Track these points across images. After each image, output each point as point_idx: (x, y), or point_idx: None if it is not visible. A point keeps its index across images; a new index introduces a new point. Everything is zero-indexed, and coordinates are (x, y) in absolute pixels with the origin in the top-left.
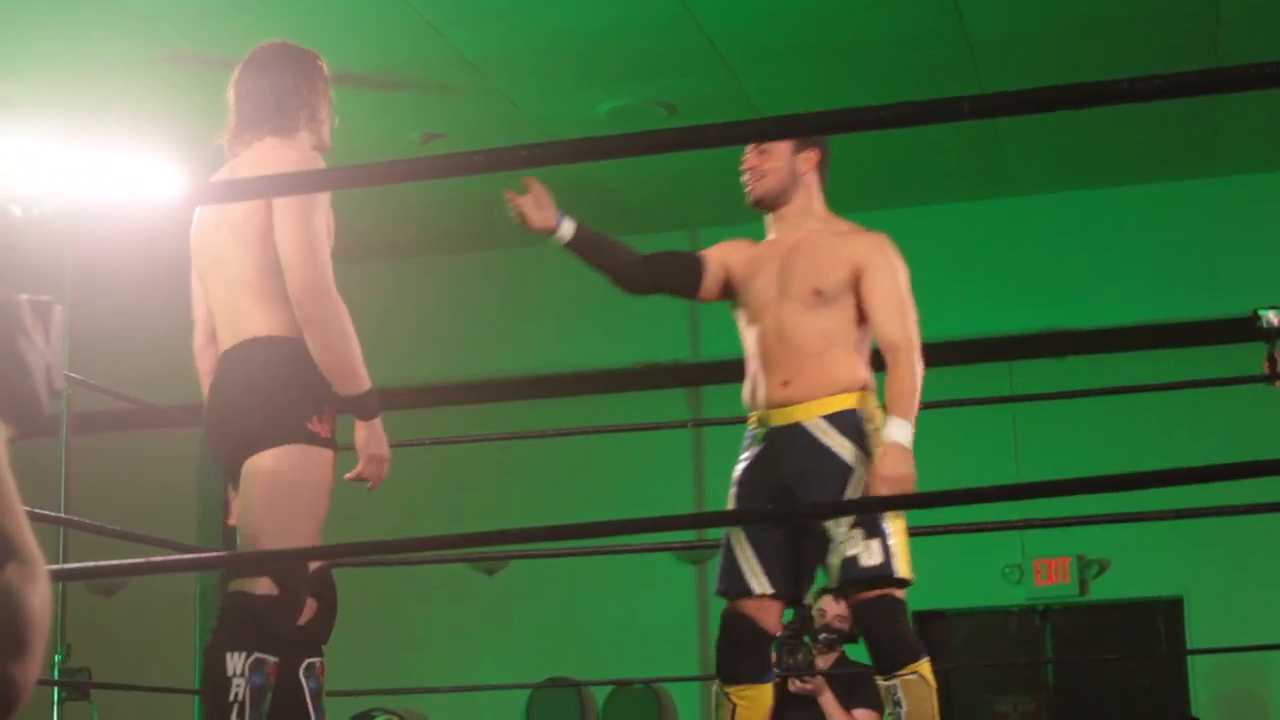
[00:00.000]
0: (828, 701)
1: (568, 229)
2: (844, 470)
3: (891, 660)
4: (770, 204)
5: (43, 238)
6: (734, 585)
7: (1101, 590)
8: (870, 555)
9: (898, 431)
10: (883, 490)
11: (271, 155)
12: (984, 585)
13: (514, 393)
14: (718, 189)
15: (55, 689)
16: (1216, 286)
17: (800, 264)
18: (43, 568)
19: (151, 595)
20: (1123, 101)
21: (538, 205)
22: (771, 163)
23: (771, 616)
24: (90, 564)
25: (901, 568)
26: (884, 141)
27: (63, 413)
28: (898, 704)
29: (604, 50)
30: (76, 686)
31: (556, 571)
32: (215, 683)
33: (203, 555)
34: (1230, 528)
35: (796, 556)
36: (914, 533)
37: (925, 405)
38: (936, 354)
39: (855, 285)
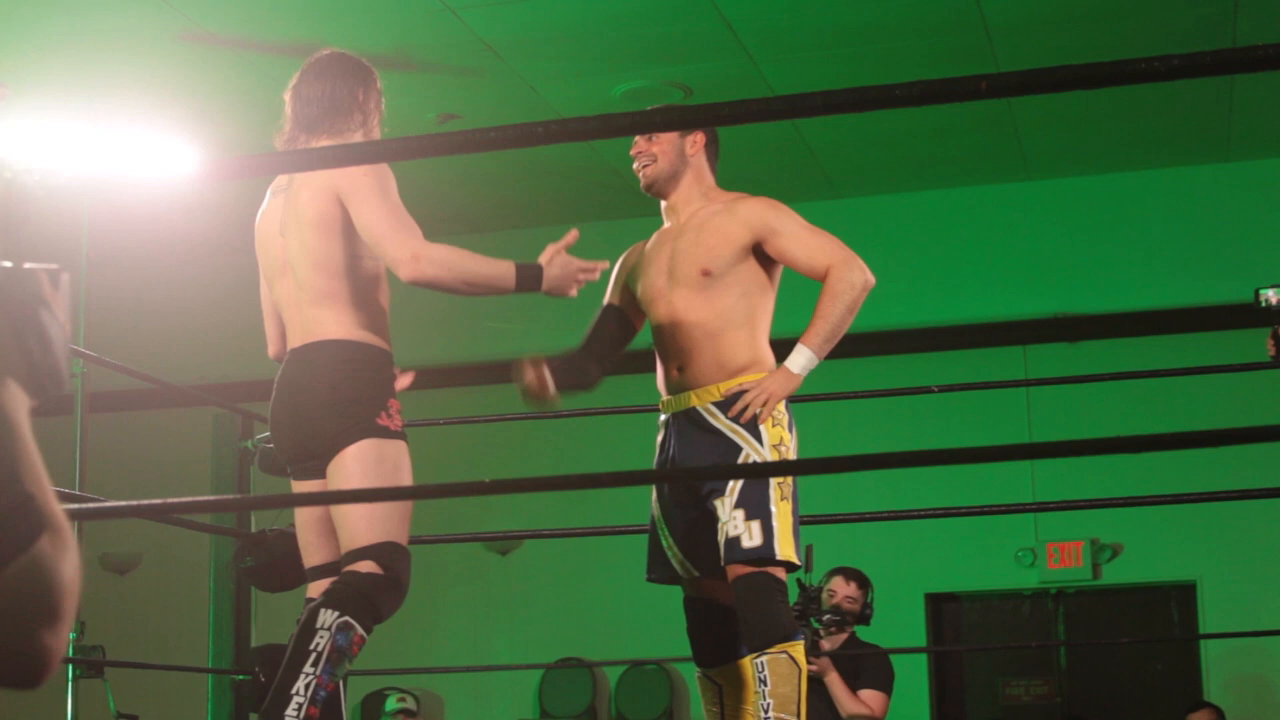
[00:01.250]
0: (833, 682)
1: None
2: (732, 452)
3: (762, 638)
4: (661, 189)
5: (58, 213)
6: (662, 572)
7: (1114, 574)
8: (750, 537)
9: (793, 356)
10: (747, 395)
11: None
12: (997, 568)
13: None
14: (726, 169)
15: (70, 666)
16: (1231, 271)
17: (686, 246)
18: (72, 538)
19: (166, 573)
20: (1140, 81)
21: (540, 386)
22: (659, 146)
23: (723, 594)
24: (111, 503)
25: (782, 549)
26: (900, 126)
27: (77, 390)
28: (763, 682)
29: (621, 33)
30: (91, 664)
31: (569, 552)
32: (305, 629)
33: (219, 499)
34: (1243, 513)
35: (709, 535)
36: (927, 515)
37: (944, 389)
38: (951, 337)
39: (755, 255)
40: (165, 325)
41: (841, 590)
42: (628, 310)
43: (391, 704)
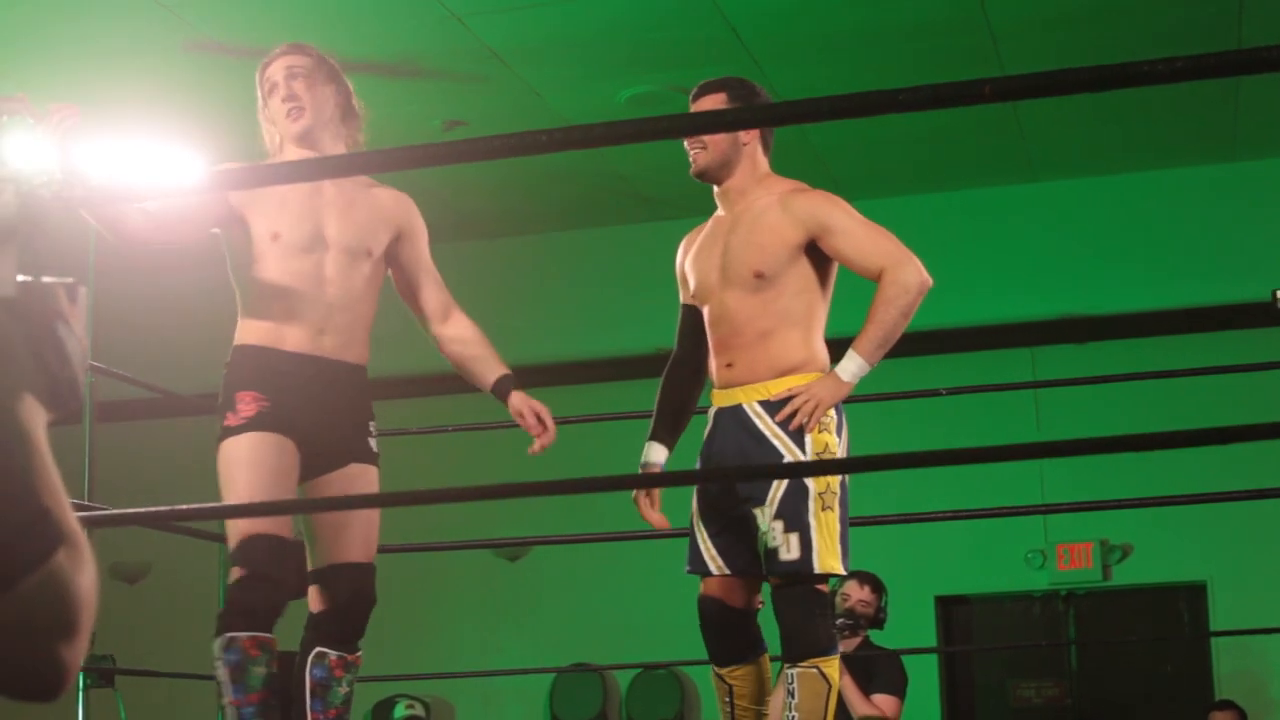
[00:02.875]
0: (846, 685)
1: (656, 453)
2: (773, 459)
3: (795, 650)
4: (714, 176)
5: (67, 224)
6: (696, 565)
7: (1124, 575)
8: (789, 549)
9: (844, 362)
10: (794, 401)
11: None
12: (1007, 570)
13: (540, 379)
14: None
15: (80, 675)
16: (1238, 272)
17: (740, 244)
18: (89, 551)
19: (175, 583)
20: (1145, 84)
21: (654, 507)
22: (711, 137)
23: (739, 595)
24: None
25: (822, 562)
26: (906, 128)
27: (86, 400)
28: (791, 694)
29: (625, 39)
30: (101, 673)
31: (578, 557)
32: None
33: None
34: (1253, 512)
35: (746, 537)
36: (937, 518)
37: (953, 391)
38: (959, 340)
39: (809, 252)
40: (172, 335)
41: (855, 594)
42: (698, 307)
43: (400, 711)
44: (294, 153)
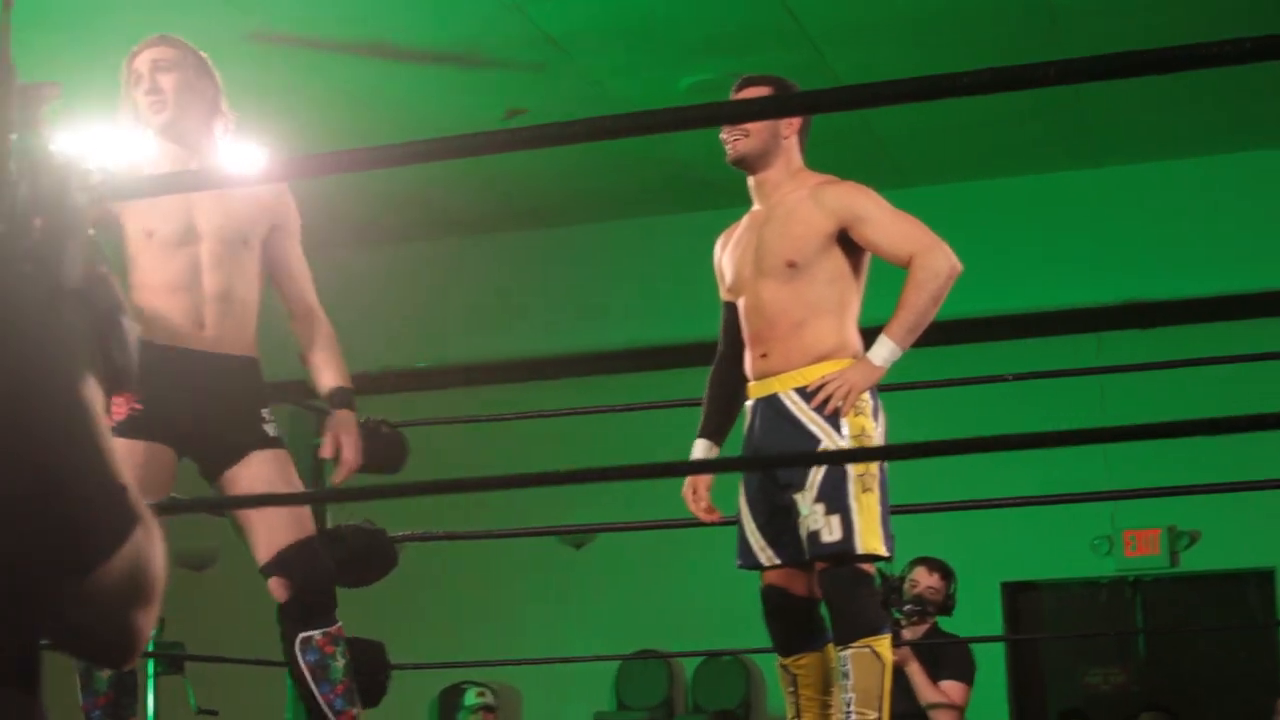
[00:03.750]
0: (914, 672)
1: (707, 450)
2: (810, 444)
3: (846, 631)
4: (749, 165)
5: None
6: (748, 558)
7: (1192, 561)
8: (830, 531)
9: (876, 348)
10: (828, 387)
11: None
12: (1074, 557)
13: (601, 367)
14: None
15: (150, 662)
16: None
17: (773, 235)
18: (158, 528)
19: (242, 569)
20: (1211, 65)
21: (703, 504)
22: (751, 127)
23: (799, 584)
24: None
25: (864, 543)
26: (969, 113)
27: None
28: (845, 675)
29: (686, 25)
30: (171, 659)
31: (644, 544)
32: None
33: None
34: None
35: (791, 525)
36: (1004, 504)
37: (1018, 377)
38: (1024, 326)
39: (841, 241)
40: None
41: (924, 581)
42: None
43: (470, 698)
44: (159, 146)
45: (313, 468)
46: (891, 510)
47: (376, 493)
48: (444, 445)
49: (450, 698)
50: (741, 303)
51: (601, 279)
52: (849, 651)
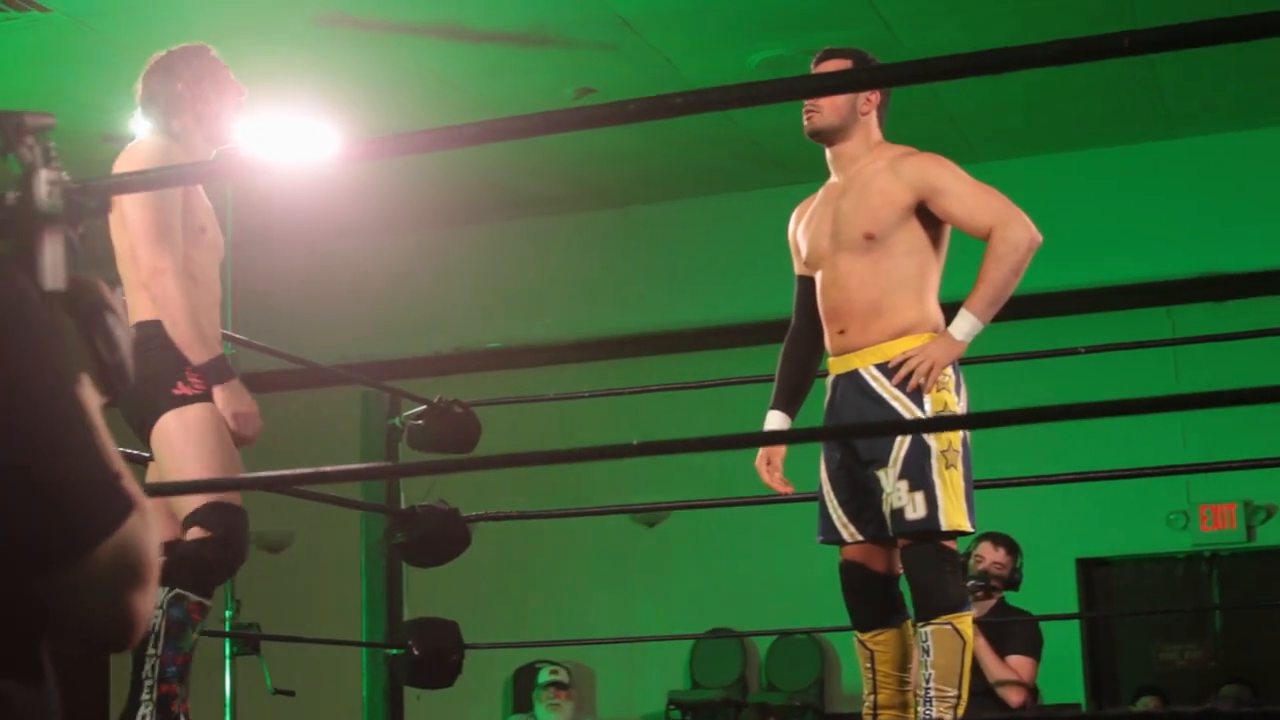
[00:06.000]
0: (980, 647)
1: (778, 422)
2: (894, 418)
3: (927, 608)
4: (827, 137)
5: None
6: (829, 534)
7: (1269, 536)
8: (914, 509)
9: (957, 322)
10: (910, 363)
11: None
12: (1148, 532)
13: (673, 345)
14: None
15: (226, 643)
16: None
17: (850, 208)
18: (154, 515)
19: (317, 551)
20: None
21: (777, 476)
22: (830, 100)
23: (879, 560)
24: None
25: (949, 519)
26: (1040, 87)
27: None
28: (926, 652)
29: (756, 2)
30: (247, 640)
31: (717, 522)
32: None
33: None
34: None
35: (874, 501)
36: (1078, 478)
37: (1091, 350)
38: (1096, 300)
39: (919, 214)
40: (311, 306)
41: (989, 556)
42: (812, 277)
43: (544, 676)
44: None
45: (386, 447)
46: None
47: (447, 466)
48: (516, 425)
49: (524, 677)
50: (819, 276)
51: (674, 258)
52: (930, 628)
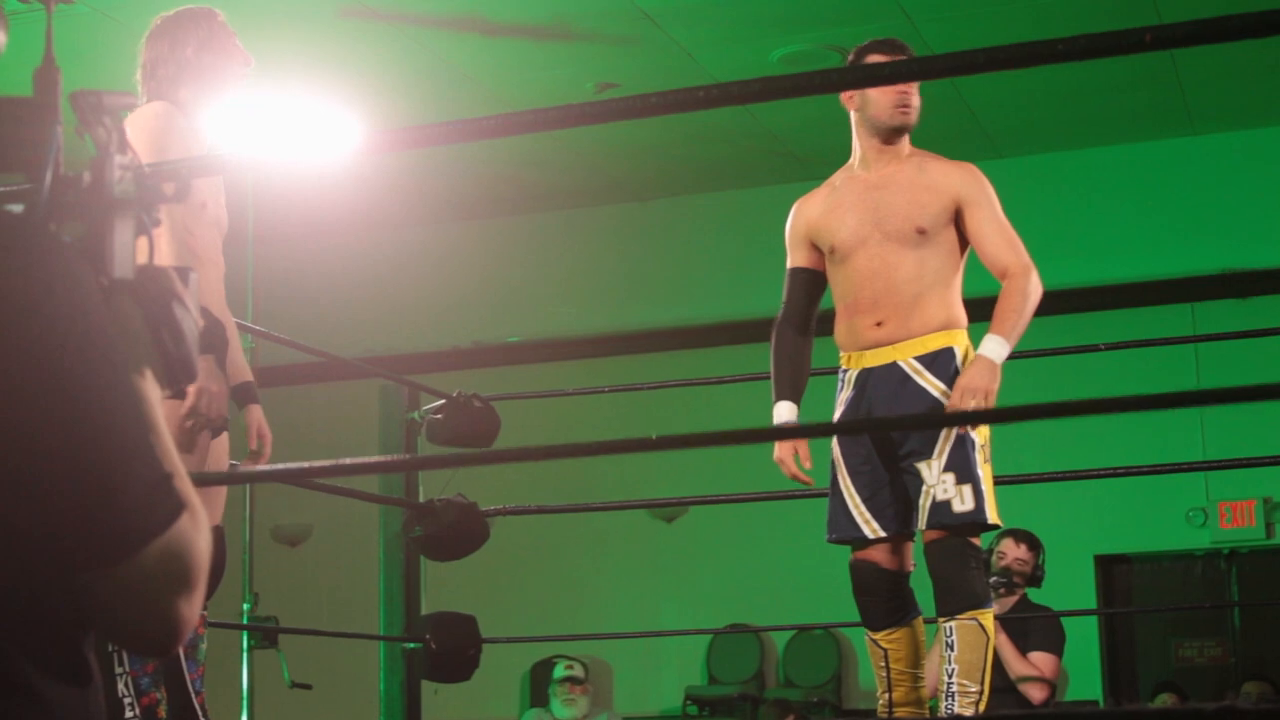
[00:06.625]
0: (1002, 644)
1: (790, 413)
2: (936, 410)
3: (953, 603)
4: (904, 136)
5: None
6: (845, 531)
7: None
8: (962, 501)
9: (990, 346)
10: (958, 399)
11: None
12: (1167, 529)
13: (692, 340)
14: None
15: (244, 636)
16: None
17: (897, 201)
18: (204, 514)
19: (336, 544)
20: None
21: (806, 461)
22: (919, 99)
23: (895, 557)
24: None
25: (992, 513)
26: (1062, 83)
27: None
28: (950, 646)
29: None
30: (265, 633)
31: (735, 518)
32: None
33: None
34: None
35: (901, 495)
36: (1097, 475)
37: (1112, 346)
38: (1118, 296)
39: (954, 219)
40: (331, 299)
41: (1011, 553)
42: (817, 270)
43: (560, 671)
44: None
45: (404, 441)
46: None
47: (465, 460)
48: (535, 420)
49: (542, 671)
50: (851, 268)
51: (694, 252)
52: (955, 623)
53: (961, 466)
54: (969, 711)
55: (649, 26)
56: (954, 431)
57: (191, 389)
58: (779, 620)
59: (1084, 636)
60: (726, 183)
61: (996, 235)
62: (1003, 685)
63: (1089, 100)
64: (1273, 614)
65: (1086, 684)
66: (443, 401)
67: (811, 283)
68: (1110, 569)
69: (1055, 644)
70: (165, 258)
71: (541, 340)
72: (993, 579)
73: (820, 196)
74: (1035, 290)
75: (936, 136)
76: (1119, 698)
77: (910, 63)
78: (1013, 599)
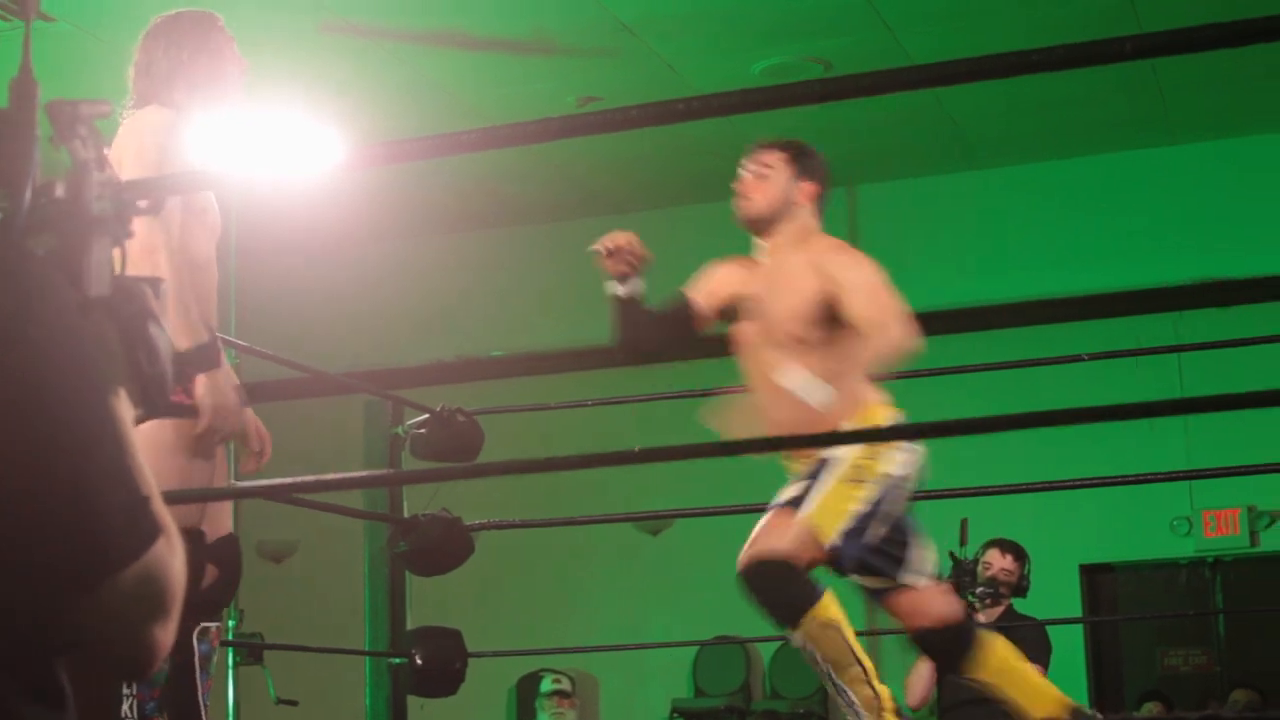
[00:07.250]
0: None
1: (629, 290)
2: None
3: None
4: (756, 228)
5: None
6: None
7: (1273, 541)
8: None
9: (814, 388)
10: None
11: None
12: (1152, 538)
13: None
14: (872, 145)
15: (230, 652)
16: None
17: (780, 307)
18: (179, 539)
19: (321, 560)
20: None
21: (617, 255)
22: (760, 190)
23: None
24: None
25: (814, 516)
26: (1043, 92)
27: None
28: (814, 660)
29: (758, 9)
30: (250, 649)
31: (720, 530)
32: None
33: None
34: None
35: None
36: (1080, 485)
37: (1094, 356)
38: (1100, 305)
39: (835, 308)
40: (314, 314)
41: (997, 563)
42: (701, 313)
43: (547, 685)
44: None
45: (389, 456)
46: (969, 494)
47: (449, 474)
48: (519, 434)
49: (528, 685)
50: (747, 365)
51: (677, 264)
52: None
53: (817, 474)
54: (865, 692)
55: (630, 39)
56: (835, 470)
57: (205, 406)
58: (765, 631)
59: (1070, 646)
60: (709, 195)
61: (858, 303)
62: (988, 696)
63: (1070, 110)
64: (1257, 622)
65: (1072, 693)
66: (426, 416)
67: (692, 313)
68: (1095, 578)
69: (1041, 654)
70: (163, 265)
71: (525, 354)
72: (979, 589)
73: (736, 275)
74: (888, 350)
75: (918, 148)
76: (1105, 707)
77: (893, 73)
78: (998, 609)
